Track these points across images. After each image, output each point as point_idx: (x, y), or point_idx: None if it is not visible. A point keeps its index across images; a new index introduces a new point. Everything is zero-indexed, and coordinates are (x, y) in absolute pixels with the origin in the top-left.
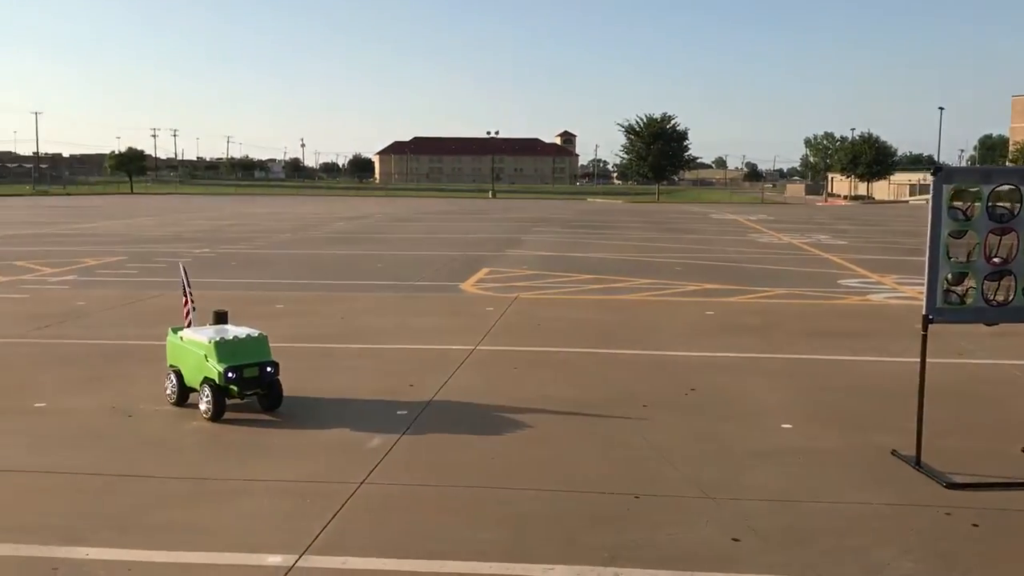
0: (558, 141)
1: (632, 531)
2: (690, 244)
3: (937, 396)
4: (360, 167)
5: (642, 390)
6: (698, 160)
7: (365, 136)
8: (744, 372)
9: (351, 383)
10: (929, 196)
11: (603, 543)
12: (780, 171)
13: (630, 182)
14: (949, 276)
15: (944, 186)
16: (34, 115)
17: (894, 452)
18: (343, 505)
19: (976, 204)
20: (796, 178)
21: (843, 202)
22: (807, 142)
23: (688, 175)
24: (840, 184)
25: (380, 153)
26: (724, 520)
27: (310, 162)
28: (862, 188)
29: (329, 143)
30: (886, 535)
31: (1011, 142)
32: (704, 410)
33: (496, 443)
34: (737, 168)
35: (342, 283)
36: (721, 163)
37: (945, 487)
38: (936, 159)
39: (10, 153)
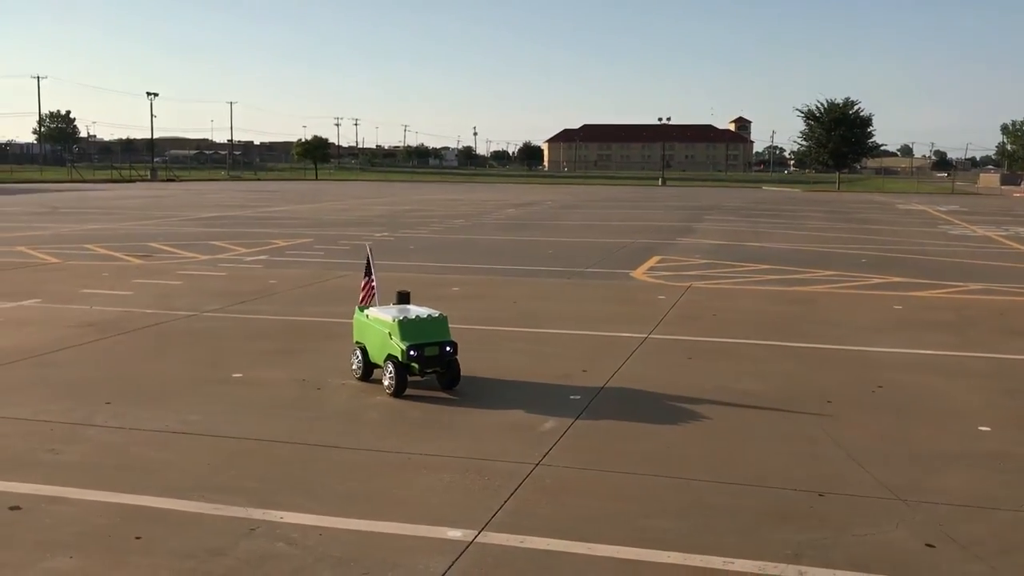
0: (732, 127)
1: (817, 529)
2: (874, 235)
3: None
4: (529, 155)
5: (826, 385)
6: (882, 147)
7: (535, 124)
8: (936, 371)
9: (524, 366)
10: None
11: (786, 539)
12: (972, 160)
13: (808, 170)
14: None
15: None
16: (229, 105)
17: None
18: (520, 485)
19: None
20: (991, 167)
21: None
22: (1004, 129)
23: (871, 163)
24: None
25: (549, 141)
26: (916, 524)
27: (482, 150)
28: None
29: (500, 131)
30: None
31: None
32: (892, 409)
33: (672, 432)
34: (925, 156)
35: (514, 268)
36: (907, 151)
37: None
38: None
39: (207, 141)
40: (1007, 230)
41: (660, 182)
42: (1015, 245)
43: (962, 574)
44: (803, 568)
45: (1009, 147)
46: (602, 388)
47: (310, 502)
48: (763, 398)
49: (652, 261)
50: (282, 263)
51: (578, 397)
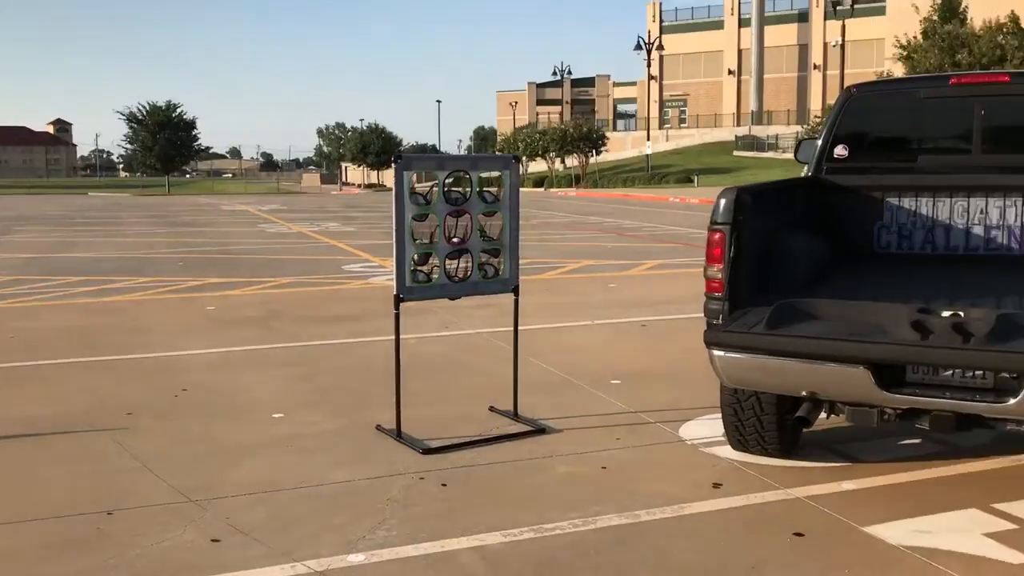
0: (51, 129)
1: (101, 552)
2: (196, 237)
3: (422, 368)
4: None
5: (129, 397)
6: (210, 150)
7: None
8: (241, 366)
9: None
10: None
11: (66, 570)
12: (297, 161)
13: (138, 174)
14: (415, 257)
15: (405, 173)
16: None
17: (379, 427)
18: None
19: (435, 189)
20: (312, 168)
21: (357, 190)
22: (319, 132)
23: (202, 166)
24: (354, 173)
25: None
26: (205, 522)
27: None
28: (374, 176)
29: None
30: (364, 509)
31: (498, 133)
32: (194, 410)
33: None
34: (253, 158)
35: None
36: (236, 153)
37: (421, 453)
38: (438, 148)
39: None
40: (319, 225)
41: None
42: (324, 239)
43: (243, 560)
44: None
45: (325, 148)
46: None
47: None
48: (52, 422)
49: None
50: None
51: None
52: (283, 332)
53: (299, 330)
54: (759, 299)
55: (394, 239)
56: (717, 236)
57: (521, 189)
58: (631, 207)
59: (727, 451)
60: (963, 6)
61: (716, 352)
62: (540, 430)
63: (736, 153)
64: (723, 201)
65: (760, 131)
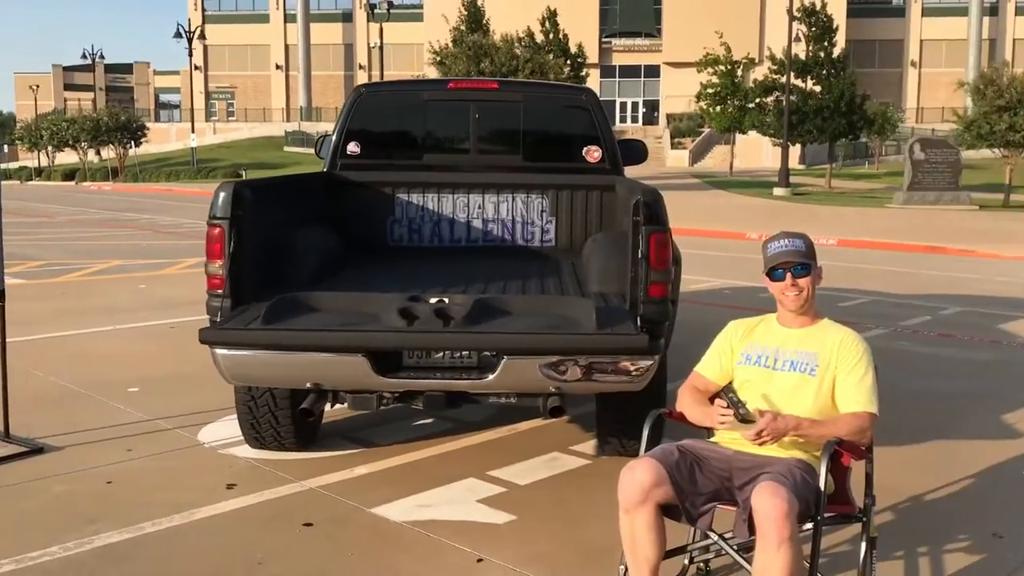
0: None
1: None
2: None
3: None
4: None
5: None
6: None
7: None
8: None
9: None
10: None
11: None
12: None
13: None
14: None
15: None
16: None
17: None
18: None
19: None
20: None
21: None
22: None
23: None
24: None
25: None
26: None
27: None
28: None
29: None
30: None
31: (18, 119)
32: None
33: None
34: None
35: None
36: None
37: None
38: None
39: None
40: None
41: None
42: None
43: None
44: None
45: None
46: None
47: None
48: None
49: None
50: None
51: None
52: None
53: None
54: (268, 294)
55: None
56: (216, 231)
57: (48, 183)
58: (173, 203)
59: (246, 450)
60: (486, 19)
61: (218, 351)
62: (37, 450)
63: (287, 149)
64: (221, 195)
65: (310, 127)
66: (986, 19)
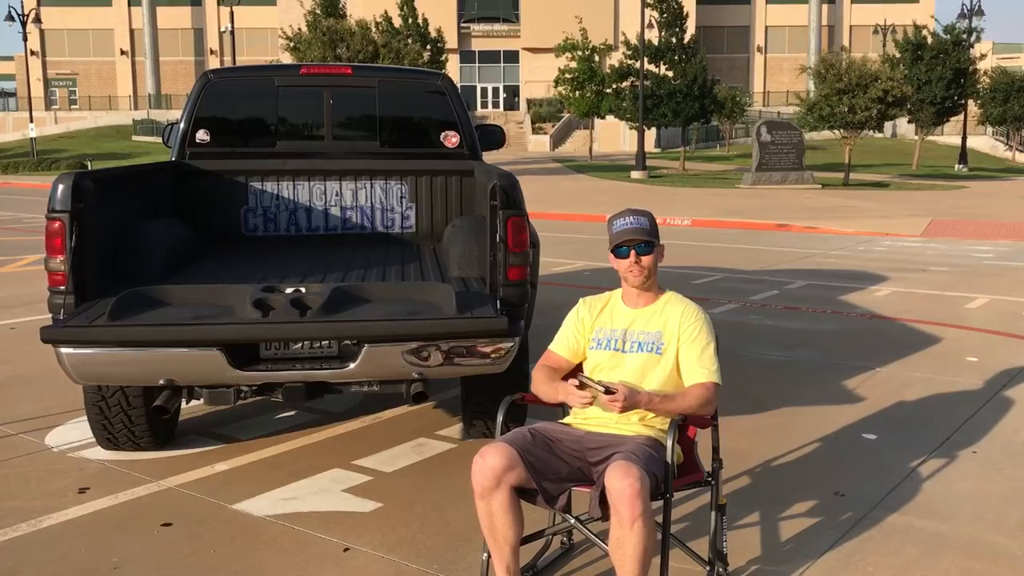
0: None
1: None
2: None
3: None
4: None
5: None
6: None
7: None
8: None
9: None
10: None
11: None
12: None
13: None
14: None
15: None
16: None
17: None
18: None
19: None
20: None
21: None
22: None
23: None
24: None
25: None
26: None
27: None
28: None
29: None
30: None
31: None
32: None
33: None
34: None
35: None
36: None
37: None
38: None
39: None
40: None
41: None
42: None
43: None
44: None
45: None
46: None
47: None
48: None
49: None
50: None
51: None
52: None
53: None
54: (115, 290)
55: None
56: (56, 225)
57: None
58: (11, 196)
59: (98, 452)
60: (343, 3)
61: (63, 350)
62: None
63: (135, 138)
64: (60, 187)
65: (160, 115)
66: (825, 6)
